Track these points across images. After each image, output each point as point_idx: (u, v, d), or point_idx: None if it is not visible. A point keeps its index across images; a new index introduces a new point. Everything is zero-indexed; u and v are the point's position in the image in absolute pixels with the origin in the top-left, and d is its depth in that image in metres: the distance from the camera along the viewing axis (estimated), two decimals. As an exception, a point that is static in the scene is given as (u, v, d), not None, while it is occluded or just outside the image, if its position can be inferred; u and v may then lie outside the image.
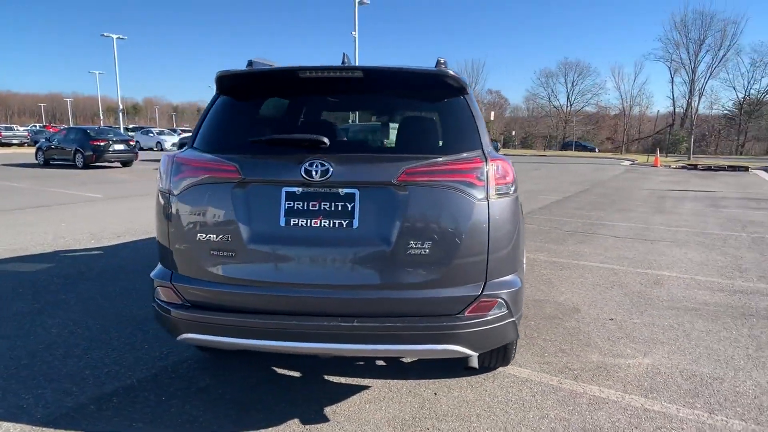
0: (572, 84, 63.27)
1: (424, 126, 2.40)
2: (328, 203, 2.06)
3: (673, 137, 49.70)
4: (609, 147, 57.44)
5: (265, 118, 2.54)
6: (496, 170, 2.09)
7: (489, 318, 2.05)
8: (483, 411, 2.43)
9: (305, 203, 2.07)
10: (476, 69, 64.66)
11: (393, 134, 2.85)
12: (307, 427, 2.30)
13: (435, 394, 2.59)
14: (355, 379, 2.74)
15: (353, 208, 2.04)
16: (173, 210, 2.18)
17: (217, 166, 2.15)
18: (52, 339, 3.21)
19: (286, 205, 2.07)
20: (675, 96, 56.82)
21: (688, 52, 47.58)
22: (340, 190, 2.06)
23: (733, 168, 21.94)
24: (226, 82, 2.36)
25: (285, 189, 2.08)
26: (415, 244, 2.00)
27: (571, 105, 63.88)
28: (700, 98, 46.40)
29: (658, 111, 57.70)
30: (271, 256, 2.07)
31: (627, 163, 28.69)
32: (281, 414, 2.39)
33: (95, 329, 3.37)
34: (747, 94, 52.56)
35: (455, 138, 2.21)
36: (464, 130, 2.20)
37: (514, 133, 59.76)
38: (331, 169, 2.05)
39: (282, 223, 2.07)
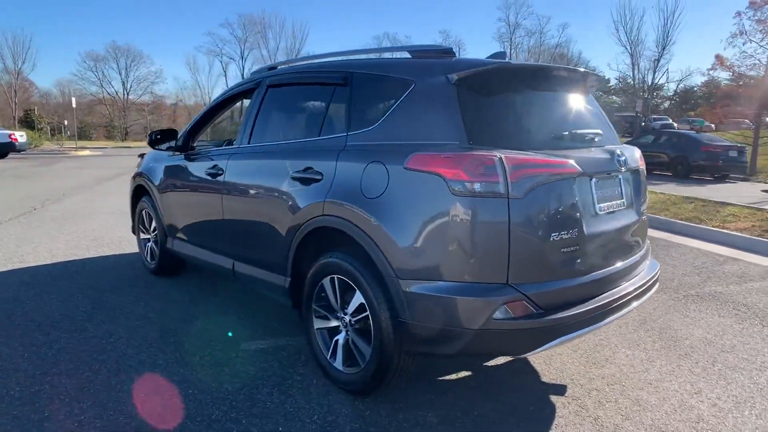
0: (126, 70, 60.10)
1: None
2: (617, 187, 2.47)
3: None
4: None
5: (528, 113, 2.44)
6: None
7: None
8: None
9: (606, 190, 2.39)
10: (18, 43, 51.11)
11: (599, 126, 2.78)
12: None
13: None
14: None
15: (624, 189, 2.53)
16: (518, 214, 2.00)
17: (558, 163, 2.14)
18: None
19: (597, 194, 2.31)
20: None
21: (241, 49, 54.54)
22: (622, 175, 2.52)
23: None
24: (487, 77, 2.24)
25: (594, 179, 2.30)
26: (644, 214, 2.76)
27: (127, 93, 60.72)
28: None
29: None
30: (598, 240, 2.26)
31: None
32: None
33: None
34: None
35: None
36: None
37: (67, 122, 51.74)
38: (625, 157, 2.56)
39: (598, 210, 2.30)
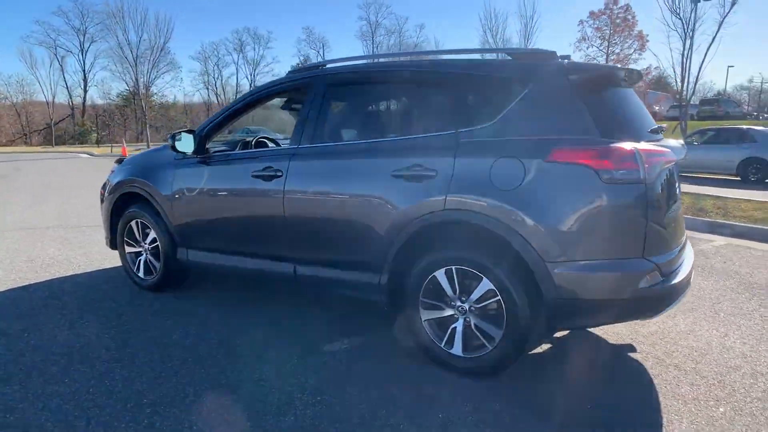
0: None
1: None
2: (676, 174, 2.79)
3: (80, 127, 50.07)
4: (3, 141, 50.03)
5: (620, 108, 2.66)
6: None
7: None
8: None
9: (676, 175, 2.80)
10: None
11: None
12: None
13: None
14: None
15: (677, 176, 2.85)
16: (650, 197, 2.31)
17: (666, 152, 2.52)
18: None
19: (677, 179, 2.76)
20: (69, 85, 55.86)
21: (81, 41, 48.41)
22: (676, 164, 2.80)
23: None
24: (597, 78, 2.59)
25: (675, 165, 2.73)
26: None
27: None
28: (86, 89, 49.22)
29: (53, 99, 54.89)
30: (676, 218, 2.66)
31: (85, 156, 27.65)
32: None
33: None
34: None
35: None
36: None
37: None
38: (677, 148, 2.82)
39: (678, 192, 2.77)
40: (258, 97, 3.50)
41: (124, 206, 4.04)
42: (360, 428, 2.20)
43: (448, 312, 2.67)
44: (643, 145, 2.37)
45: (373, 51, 48.52)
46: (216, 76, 57.54)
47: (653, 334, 3.19)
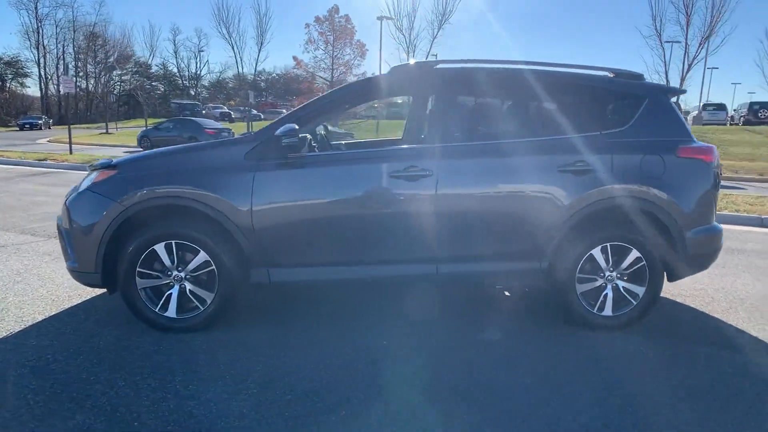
0: None
1: None
2: None
3: None
4: None
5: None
6: None
7: None
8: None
9: None
10: None
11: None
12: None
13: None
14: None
15: None
16: (718, 181, 3.33)
17: None
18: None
19: None
20: None
21: None
22: None
23: None
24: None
25: None
26: None
27: None
28: None
29: None
30: None
31: None
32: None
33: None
34: None
35: None
36: None
37: None
38: None
39: None
40: (360, 91, 3.21)
41: (134, 226, 2.96)
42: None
43: (599, 282, 3.23)
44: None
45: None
46: None
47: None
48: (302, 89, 38.51)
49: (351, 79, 34.53)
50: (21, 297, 3.51)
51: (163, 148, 3.47)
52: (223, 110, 41.60)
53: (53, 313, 3.27)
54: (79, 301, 3.48)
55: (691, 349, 3.01)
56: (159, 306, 3.02)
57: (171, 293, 3.03)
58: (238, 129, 25.43)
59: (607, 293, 3.23)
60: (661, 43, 26.34)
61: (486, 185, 3.10)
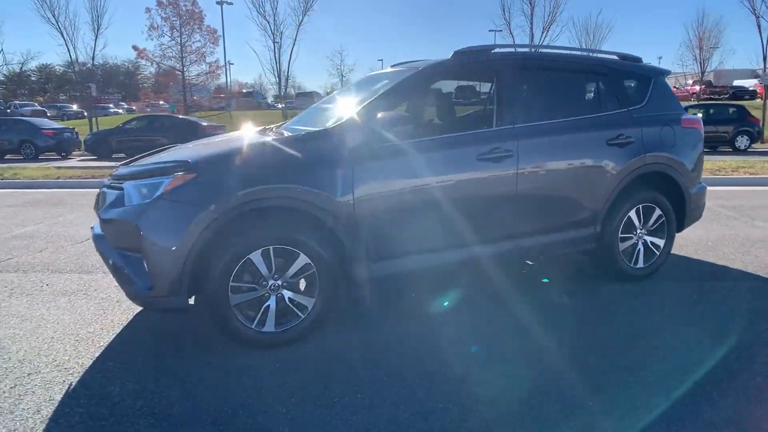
0: None
1: None
2: None
3: None
4: None
5: None
6: None
7: None
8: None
9: None
10: None
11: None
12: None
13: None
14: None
15: None
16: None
17: None
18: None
19: None
20: None
21: None
22: None
23: None
24: None
25: None
26: None
27: None
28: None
29: None
30: None
31: None
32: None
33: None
34: None
35: None
36: None
37: None
38: None
39: None
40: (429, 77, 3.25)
41: (222, 235, 2.61)
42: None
43: (634, 239, 3.75)
44: None
45: None
46: None
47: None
48: (161, 82, 34.96)
49: (204, 67, 32.15)
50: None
51: (235, 143, 3.02)
52: (35, 108, 36.74)
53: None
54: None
55: (705, 285, 3.71)
56: (255, 321, 2.71)
57: (269, 305, 2.73)
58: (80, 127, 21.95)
59: (639, 248, 3.77)
60: (510, 31, 29.54)
61: (557, 161, 3.37)
